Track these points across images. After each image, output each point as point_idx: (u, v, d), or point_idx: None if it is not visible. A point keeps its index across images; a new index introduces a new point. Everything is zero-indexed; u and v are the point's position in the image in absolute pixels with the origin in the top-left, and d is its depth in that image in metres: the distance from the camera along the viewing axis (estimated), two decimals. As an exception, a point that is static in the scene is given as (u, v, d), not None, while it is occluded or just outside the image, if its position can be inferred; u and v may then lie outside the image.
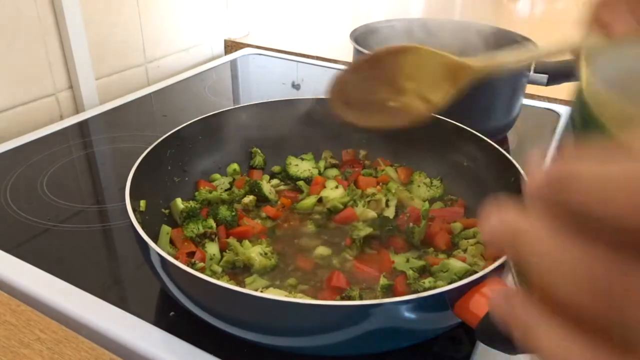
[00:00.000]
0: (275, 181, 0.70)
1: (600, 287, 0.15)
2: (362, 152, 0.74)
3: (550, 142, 0.85)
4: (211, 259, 0.55)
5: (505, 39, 0.88)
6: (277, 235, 0.61)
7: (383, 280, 0.52)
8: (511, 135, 0.89)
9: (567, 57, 0.45)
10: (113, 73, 1.04)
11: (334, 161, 0.74)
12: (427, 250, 0.58)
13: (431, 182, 0.67)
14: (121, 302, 0.52)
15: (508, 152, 0.58)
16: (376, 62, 0.45)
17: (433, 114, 0.45)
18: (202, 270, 0.53)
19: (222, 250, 0.57)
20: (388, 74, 0.45)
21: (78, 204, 0.69)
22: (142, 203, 0.56)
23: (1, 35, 0.84)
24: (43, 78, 0.92)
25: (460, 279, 0.47)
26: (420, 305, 0.40)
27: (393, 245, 0.58)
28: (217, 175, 0.69)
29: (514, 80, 0.82)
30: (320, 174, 0.71)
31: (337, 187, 0.67)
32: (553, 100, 1.02)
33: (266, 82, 1.14)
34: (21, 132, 0.89)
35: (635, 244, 0.15)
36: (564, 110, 0.97)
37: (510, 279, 0.48)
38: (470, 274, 0.44)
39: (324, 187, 0.67)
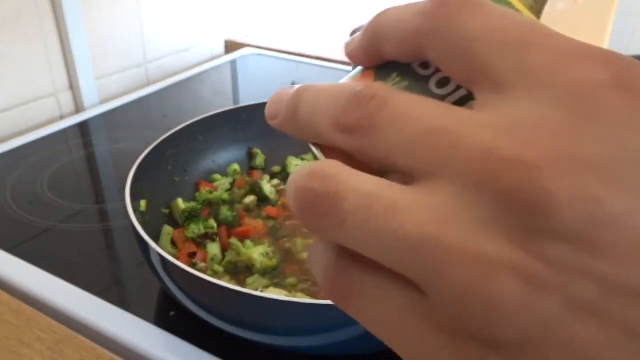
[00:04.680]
0: (275, 181, 0.70)
1: None
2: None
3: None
4: (212, 260, 0.55)
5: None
6: (278, 234, 0.61)
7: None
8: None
9: None
10: (113, 73, 1.04)
11: (334, 161, 0.74)
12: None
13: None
14: (121, 302, 0.52)
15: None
16: None
17: None
18: (203, 270, 0.53)
19: (224, 250, 0.57)
20: None
21: (78, 204, 0.69)
22: (143, 203, 0.56)
23: (1, 35, 0.84)
24: (43, 78, 0.92)
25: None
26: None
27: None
28: (218, 176, 0.69)
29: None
30: (320, 174, 0.71)
31: (337, 187, 0.67)
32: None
33: (266, 82, 1.13)
34: (21, 132, 0.89)
35: None
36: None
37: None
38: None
39: (324, 187, 0.67)
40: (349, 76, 0.20)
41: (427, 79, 0.17)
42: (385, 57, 0.18)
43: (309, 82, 0.18)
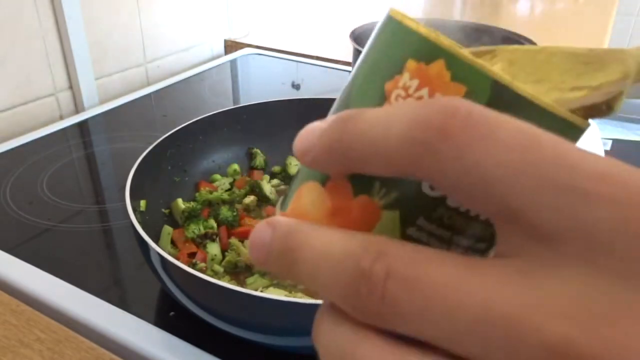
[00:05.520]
0: (275, 181, 0.70)
1: None
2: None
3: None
4: (212, 260, 0.55)
5: (505, 39, 0.88)
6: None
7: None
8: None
9: None
10: (113, 73, 1.04)
11: (334, 161, 0.74)
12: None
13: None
14: (121, 302, 0.52)
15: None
16: None
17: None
18: (203, 270, 0.53)
19: (224, 250, 0.57)
20: None
21: (78, 204, 0.69)
22: (143, 203, 0.56)
23: (1, 36, 0.84)
24: (43, 78, 0.92)
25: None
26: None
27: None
28: (218, 176, 0.69)
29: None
30: (320, 174, 0.71)
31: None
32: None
33: (266, 82, 1.13)
34: (21, 132, 0.89)
35: None
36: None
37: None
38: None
39: (324, 187, 0.67)
40: (304, 181, 0.18)
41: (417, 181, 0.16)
42: (364, 172, 0.15)
43: (299, 228, 0.15)
